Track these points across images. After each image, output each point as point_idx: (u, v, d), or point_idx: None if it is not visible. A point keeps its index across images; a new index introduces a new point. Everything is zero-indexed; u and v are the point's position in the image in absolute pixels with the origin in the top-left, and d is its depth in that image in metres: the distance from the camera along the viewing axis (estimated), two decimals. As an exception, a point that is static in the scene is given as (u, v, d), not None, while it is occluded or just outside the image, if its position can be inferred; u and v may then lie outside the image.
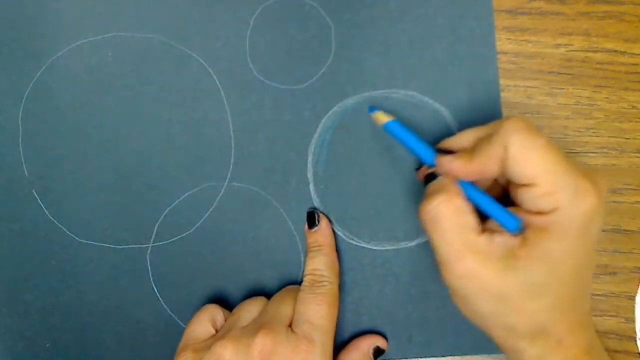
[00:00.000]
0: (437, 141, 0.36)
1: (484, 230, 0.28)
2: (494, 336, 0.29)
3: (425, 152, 0.31)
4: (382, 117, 0.33)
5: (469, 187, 0.29)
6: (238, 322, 0.31)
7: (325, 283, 0.32)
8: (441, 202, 0.28)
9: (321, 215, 0.35)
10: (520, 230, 0.27)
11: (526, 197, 0.27)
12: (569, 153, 0.36)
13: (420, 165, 0.35)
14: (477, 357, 0.35)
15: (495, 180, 0.31)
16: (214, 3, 0.37)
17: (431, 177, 0.31)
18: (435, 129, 0.36)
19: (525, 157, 0.26)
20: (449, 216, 0.28)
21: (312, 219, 0.35)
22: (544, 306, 0.27)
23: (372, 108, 0.34)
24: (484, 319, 0.28)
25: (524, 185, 0.27)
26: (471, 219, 0.28)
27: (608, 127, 0.37)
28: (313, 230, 0.35)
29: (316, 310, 0.30)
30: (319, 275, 0.32)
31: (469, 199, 0.29)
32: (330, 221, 0.36)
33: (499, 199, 0.29)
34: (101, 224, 0.36)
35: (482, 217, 0.29)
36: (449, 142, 0.31)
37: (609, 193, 0.36)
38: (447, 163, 0.29)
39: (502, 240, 0.27)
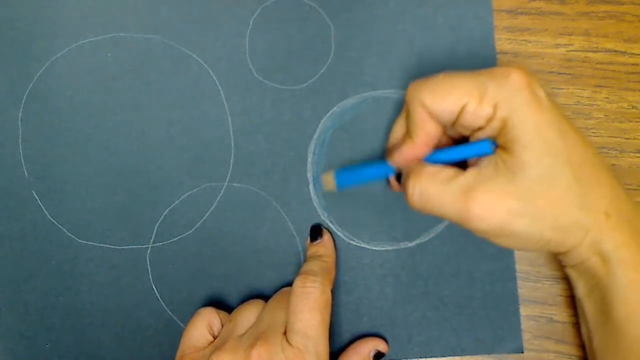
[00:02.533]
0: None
1: (466, 169, 0.29)
2: (541, 246, 0.29)
3: (381, 168, 0.32)
4: (328, 180, 0.33)
5: (432, 156, 0.30)
6: (235, 330, 0.31)
7: (317, 285, 0.31)
8: (413, 183, 0.29)
9: (324, 230, 0.36)
10: (494, 144, 0.28)
11: (469, 118, 0.28)
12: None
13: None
14: (477, 357, 0.35)
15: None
16: (213, 3, 0.37)
17: (399, 178, 0.32)
18: (435, 129, 0.36)
19: (440, 96, 0.28)
20: (431, 186, 0.29)
21: (315, 233, 0.35)
22: (566, 189, 0.27)
23: (317, 180, 0.35)
24: (526, 235, 0.28)
25: (459, 112, 0.28)
26: (447, 171, 0.29)
27: (608, 127, 0.36)
28: (315, 243, 0.35)
29: (308, 319, 0.30)
30: (311, 276, 0.31)
31: (439, 162, 0.30)
32: (330, 232, 0.36)
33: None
34: (101, 225, 0.36)
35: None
36: (391, 140, 0.33)
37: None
38: (399, 157, 0.30)
39: (487, 164, 0.28)
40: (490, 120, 0.27)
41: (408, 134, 0.30)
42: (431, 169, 0.29)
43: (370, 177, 0.33)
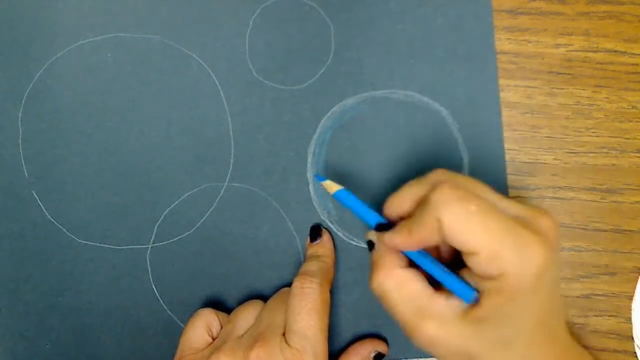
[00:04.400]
0: (436, 142, 0.36)
1: (437, 289, 0.28)
2: None
3: (371, 221, 0.31)
4: (331, 187, 0.32)
5: (419, 256, 0.28)
6: (234, 331, 0.31)
7: (316, 285, 0.31)
8: (383, 278, 0.28)
9: (324, 229, 0.36)
10: (476, 300, 0.27)
11: (473, 264, 0.26)
12: (569, 153, 0.36)
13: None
14: (477, 357, 0.35)
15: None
16: (213, 3, 0.37)
17: (371, 244, 0.30)
18: (435, 129, 0.36)
19: (459, 227, 0.26)
20: (394, 291, 0.28)
21: (315, 233, 0.35)
22: (517, 356, 0.26)
23: (321, 177, 0.33)
24: None
25: (467, 253, 0.26)
26: (419, 286, 0.28)
27: (608, 127, 0.36)
28: (315, 243, 0.35)
29: (306, 320, 0.30)
30: (310, 276, 0.31)
31: (419, 265, 0.29)
32: (330, 233, 0.36)
33: (452, 259, 0.29)
34: (101, 225, 0.36)
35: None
36: (393, 203, 0.30)
37: (609, 193, 0.36)
38: (387, 240, 0.29)
39: (459, 302, 0.27)
40: (489, 276, 0.26)
41: (410, 222, 0.28)
42: (402, 276, 0.28)
43: (359, 215, 0.31)
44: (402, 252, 0.29)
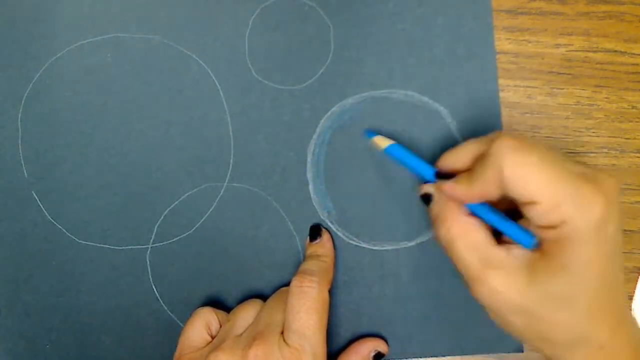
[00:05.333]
0: (436, 142, 0.36)
1: (499, 242, 0.28)
2: (534, 347, 0.28)
3: (427, 173, 0.31)
4: (382, 142, 0.33)
5: (478, 207, 0.29)
6: (232, 330, 0.32)
7: (314, 284, 0.31)
8: (449, 226, 0.28)
9: (324, 229, 0.36)
10: (536, 246, 0.27)
11: (532, 214, 0.26)
12: (569, 153, 0.36)
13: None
14: (477, 357, 0.35)
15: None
16: (213, 4, 0.37)
17: (427, 198, 0.31)
18: (435, 129, 0.36)
19: (520, 177, 0.26)
20: (460, 238, 0.28)
21: (314, 233, 0.35)
22: (576, 316, 0.26)
23: (371, 132, 0.34)
24: (520, 332, 0.28)
25: (527, 203, 0.26)
26: (483, 235, 0.28)
27: (608, 127, 0.36)
28: (314, 242, 0.35)
29: (305, 319, 0.30)
30: (308, 275, 0.31)
31: (480, 217, 0.29)
32: (330, 232, 0.36)
33: (511, 210, 0.29)
34: (101, 225, 0.36)
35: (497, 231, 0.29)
36: (449, 159, 0.31)
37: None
38: (449, 189, 0.29)
39: (521, 253, 0.27)
40: (549, 225, 0.26)
41: (470, 174, 0.28)
42: (467, 224, 0.28)
43: (414, 169, 0.32)
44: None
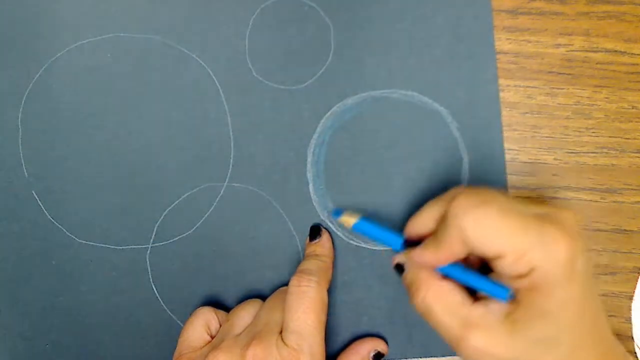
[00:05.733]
0: (436, 142, 0.36)
1: (477, 299, 0.28)
2: None
3: (395, 243, 0.31)
4: (349, 220, 0.33)
5: (450, 268, 0.29)
6: (232, 329, 0.32)
7: (313, 284, 0.31)
8: (424, 293, 0.28)
9: (324, 229, 0.36)
10: (512, 297, 0.27)
11: (501, 267, 0.27)
12: (569, 153, 0.36)
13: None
14: (476, 357, 0.35)
15: None
16: (213, 4, 0.37)
17: (400, 267, 0.31)
18: (435, 129, 0.36)
19: (482, 234, 0.26)
20: (436, 303, 0.28)
21: (314, 233, 0.35)
22: (563, 355, 0.26)
23: (336, 212, 0.34)
24: None
25: (493, 257, 0.27)
26: (459, 296, 0.28)
27: (608, 127, 0.36)
28: (314, 242, 0.35)
29: (303, 319, 0.30)
30: (307, 275, 0.31)
31: (453, 278, 0.29)
32: (330, 233, 0.36)
33: (483, 264, 0.29)
34: (101, 225, 0.36)
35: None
36: (414, 225, 0.31)
37: (609, 193, 0.36)
38: (417, 257, 0.29)
39: (498, 307, 0.27)
40: (519, 274, 0.26)
41: (434, 237, 0.29)
42: (441, 288, 0.28)
43: (382, 242, 0.32)
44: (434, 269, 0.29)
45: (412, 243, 0.31)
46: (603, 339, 0.28)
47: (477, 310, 0.28)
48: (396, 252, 0.32)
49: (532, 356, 0.26)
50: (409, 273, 0.30)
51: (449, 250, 0.28)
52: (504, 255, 0.26)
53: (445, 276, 0.29)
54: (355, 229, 0.33)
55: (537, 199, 0.36)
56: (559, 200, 0.36)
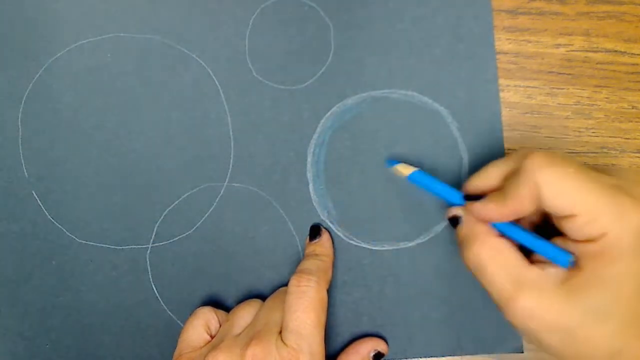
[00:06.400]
0: (436, 142, 0.36)
1: (532, 262, 0.28)
2: None
3: (455, 197, 0.31)
4: (404, 169, 0.33)
5: (508, 227, 0.28)
6: (231, 329, 0.32)
7: (312, 284, 0.31)
8: (479, 247, 0.28)
9: (324, 229, 0.36)
10: (573, 264, 0.27)
11: (570, 228, 0.26)
12: (569, 153, 0.36)
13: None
14: (477, 357, 0.35)
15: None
16: (213, 4, 0.37)
17: (455, 220, 0.30)
18: (435, 129, 0.36)
19: (558, 191, 0.26)
20: (491, 259, 0.28)
21: (314, 232, 0.35)
22: (613, 330, 0.26)
23: (392, 161, 0.34)
24: (555, 352, 0.27)
25: (565, 217, 0.26)
26: (514, 255, 0.28)
27: (608, 127, 0.36)
28: (313, 242, 0.35)
29: (303, 319, 0.30)
30: (306, 275, 0.31)
31: (511, 238, 0.28)
32: (330, 232, 0.36)
33: (543, 227, 0.29)
34: (101, 225, 0.36)
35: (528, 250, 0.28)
36: (476, 182, 0.30)
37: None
38: (480, 209, 0.29)
39: (555, 271, 0.27)
40: (588, 238, 0.26)
41: (503, 192, 0.28)
42: (498, 245, 0.28)
43: (440, 194, 0.32)
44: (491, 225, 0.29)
45: (471, 199, 0.30)
46: None
47: (533, 272, 0.27)
48: (451, 205, 0.31)
49: (584, 325, 0.26)
50: (465, 226, 0.30)
51: (516, 205, 0.27)
52: (578, 215, 0.26)
53: (503, 235, 0.28)
54: (410, 179, 0.32)
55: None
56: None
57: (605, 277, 0.25)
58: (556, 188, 0.26)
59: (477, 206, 0.29)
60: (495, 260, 0.28)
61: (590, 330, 0.26)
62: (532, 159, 0.27)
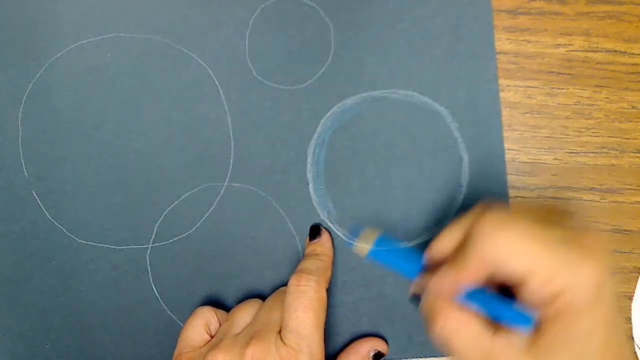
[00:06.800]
0: (436, 142, 0.36)
1: (496, 330, 0.27)
2: None
3: (411, 272, 0.30)
4: (362, 250, 0.32)
5: (468, 297, 0.28)
6: (231, 329, 0.32)
7: (312, 283, 0.31)
8: (442, 324, 0.27)
9: (323, 229, 0.36)
10: (534, 326, 0.26)
11: (527, 291, 0.26)
12: (569, 153, 0.36)
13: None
14: (476, 357, 0.35)
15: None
16: (213, 4, 0.37)
17: (417, 298, 0.30)
18: (435, 129, 0.36)
19: (509, 254, 0.25)
20: (455, 335, 0.27)
21: (314, 232, 0.35)
22: None
23: (348, 243, 0.33)
24: None
25: (520, 280, 0.26)
26: (477, 328, 0.27)
27: (608, 127, 0.36)
28: (313, 241, 0.35)
29: (302, 319, 0.30)
30: (306, 274, 0.31)
31: (472, 307, 0.28)
32: (330, 232, 0.36)
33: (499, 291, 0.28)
34: (101, 225, 0.36)
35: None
36: (436, 248, 0.30)
37: (609, 193, 0.36)
38: (434, 286, 0.28)
39: (519, 338, 0.26)
40: (545, 299, 0.26)
41: (454, 262, 0.28)
42: (460, 318, 0.27)
43: (397, 271, 0.31)
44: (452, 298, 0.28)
45: (431, 270, 0.29)
46: (628, 354, 0.27)
47: (499, 342, 0.26)
48: (411, 281, 0.31)
49: None
50: (425, 302, 0.29)
51: (470, 272, 0.27)
52: (531, 278, 0.25)
53: (464, 306, 0.28)
54: (368, 260, 0.32)
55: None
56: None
57: (569, 337, 0.25)
58: (506, 255, 0.25)
59: (432, 283, 0.28)
60: (459, 335, 0.27)
61: None
62: (481, 224, 0.26)
